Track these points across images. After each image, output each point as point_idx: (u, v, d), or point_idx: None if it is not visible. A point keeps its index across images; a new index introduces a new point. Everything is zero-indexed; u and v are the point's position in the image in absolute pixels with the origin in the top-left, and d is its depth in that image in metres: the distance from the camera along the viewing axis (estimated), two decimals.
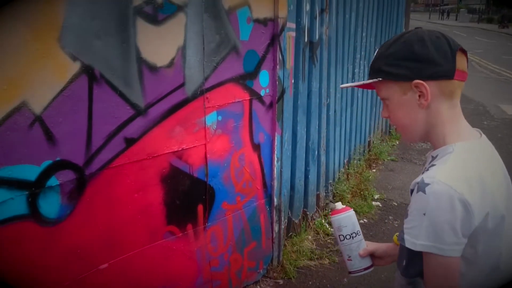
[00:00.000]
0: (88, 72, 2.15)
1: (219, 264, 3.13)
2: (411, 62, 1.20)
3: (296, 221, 4.09)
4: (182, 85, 2.61)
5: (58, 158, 2.10)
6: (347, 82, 5.24)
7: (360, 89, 5.89)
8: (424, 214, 1.12)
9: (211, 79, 2.77)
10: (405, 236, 1.17)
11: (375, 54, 1.31)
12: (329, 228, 4.40)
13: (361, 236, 1.61)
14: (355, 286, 3.60)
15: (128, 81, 2.33)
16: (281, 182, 3.54)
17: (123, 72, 2.30)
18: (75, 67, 2.10)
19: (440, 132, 1.25)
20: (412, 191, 1.20)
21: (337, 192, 4.94)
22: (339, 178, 5.16)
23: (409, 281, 1.32)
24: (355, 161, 5.90)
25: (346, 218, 1.60)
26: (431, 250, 1.13)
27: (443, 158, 1.20)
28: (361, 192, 5.35)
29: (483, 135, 1.29)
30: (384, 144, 7.21)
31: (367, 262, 1.61)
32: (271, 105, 3.29)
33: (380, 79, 1.26)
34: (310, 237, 4.22)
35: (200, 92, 2.72)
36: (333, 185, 4.87)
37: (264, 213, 3.46)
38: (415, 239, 1.14)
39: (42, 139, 2.02)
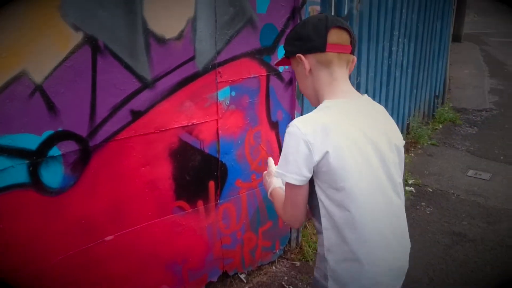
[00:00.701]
0: (91, 42, 2.12)
1: (231, 242, 3.10)
2: (295, 40, 1.56)
3: None
4: (192, 58, 2.55)
5: (60, 129, 2.11)
6: (382, 60, 5.01)
7: (399, 69, 5.64)
8: (283, 149, 1.47)
9: (224, 53, 2.69)
10: (276, 168, 1.50)
11: None
12: None
13: None
14: None
15: (134, 53, 2.30)
16: None
17: (129, 44, 2.27)
18: (77, 37, 2.08)
19: (321, 94, 1.54)
20: None
21: None
22: None
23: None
24: None
25: None
26: (278, 175, 1.46)
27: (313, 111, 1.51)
28: None
29: (365, 96, 1.58)
30: (424, 127, 6.90)
31: None
32: (290, 82, 3.18)
33: (283, 56, 1.67)
34: None
35: (212, 66, 2.66)
36: None
37: None
38: (278, 169, 1.47)
39: (43, 109, 2.03)
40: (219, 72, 2.70)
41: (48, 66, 2.01)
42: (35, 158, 2.05)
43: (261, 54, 2.91)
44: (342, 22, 1.51)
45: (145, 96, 2.40)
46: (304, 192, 1.47)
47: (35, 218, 2.12)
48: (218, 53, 2.66)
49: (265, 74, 2.97)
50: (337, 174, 1.39)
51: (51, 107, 2.05)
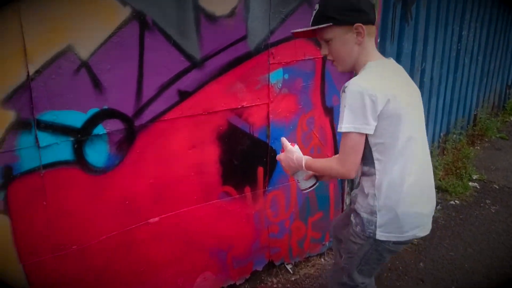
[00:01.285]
0: (139, 18, 2.05)
1: (279, 230, 2.98)
2: (352, 12, 1.72)
3: None
4: (244, 37, 2.42)
5: (105, 107, 2.06)
6: (450, 46, 4.65)
7: (468, 55, 5.23)
8: (345, 106, 1.67)
9: (278, 32, 2.55)
10: (339, 125, 1.72)
11: (319, 4, 1.81)
12: None
13: None
14: (431, 271, 3.24)
15: (183, 31, 2.21)
16: None
17: (178, 21, 2.18)
18: (125, 12, 2.01)
19: (363, 60, 1.79)
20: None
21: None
22: (431, 152, 4.67)
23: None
24: (454, 136, 5.31)
25: None
26: (349, 129, 1.67)
27: (361, 71, 1.77)
28: (457, 170, 4.82)
29: (391, 59, 1.89)
30: (493, 119, 6.42)
31: (312, 182, 2.09)
32: None
33: (331, 23, 1.75)
34: None
35: (265, 47, 2.52)
36: None
37: (334, 183, 3.22)
38: (341, 124, 1.69)
39: (88, 85, 1.99)
40: (272, 53, 2.56)
41: (94, 41, 1.95)
42: (80, 135, 2.01)
43: None
44: None
45: (194, 76, 2.31)
46: (364, 140, 1.71)
47: (79, 196, 2.10)
48: (271, 32, 2.52)
49: (321, 56, 2.80)
50: (395, 118, 1.70)
51: (96, 84, 2.00)
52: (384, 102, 1.66)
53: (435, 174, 4.44)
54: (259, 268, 2.97)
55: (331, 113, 3.01)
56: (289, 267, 3.11)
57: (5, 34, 1.73)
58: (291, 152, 2.05)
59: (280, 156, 2.11)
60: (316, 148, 2.99)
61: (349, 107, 1.66)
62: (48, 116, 1.90)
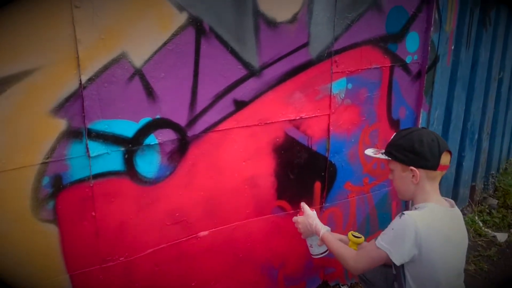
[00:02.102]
0: (195, 24, 1.95)
1: None
2: (410, 153, 1.82)
3: None
4: (305, 44, 2.27)
5: (158, 116, 1.98)
6: None
7: None
8: (393, 229, 1.78)
9: (343, 39, 2.37)
10: (378, 237, 1.82)
11: (391, 139, 1.96)
12: (483, 228, 3.69)
13: None
14: None
15: (241, 37, 2.08)
16: None
17: (236, 27, 2.06)
18: (182, 18, 1.92)
19: (421, 198, 1.85)
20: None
21: (500, 186, 4.11)
22: (505, 169, 4.29)
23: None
24: None
25: None
26: (383, 248, 1.76)
27: (419, 208, 1.82)
28: None
29: (456, 207, 1.90)
30: None
31: (324, 248, 2.20)
32: (418, 75, 2.75)
33: (390, 158, 1.91)
34: None
35: (328, 54, 2.35)
36: (496, 177, 4.06)
37: (397, 200, 2.99)
38: (381, 240, 1.78)
39: (141, 94, 1.91)
40: (335, 61, 2.38)
41: (149, 49, 1.87)
42: (131, 145, 1.94)
43: (386, 42, 2.53)
44: (447, 145, 1.85)
45: (251, 85, 2.19)
46: (385, 260, 1.79)
47: (128, 207, 2.03)
48: (335, 39, 2.35)
49: (389, 64, 2.59)
50: (430, 265, 1.74)
51: (150, 92, 1.92)
52: (423, 248, 1.71)
53: (510, 194, 4.07)
54: None
55: (397, 126, 2.79)
56: None
57: (58, 40, 1.68)
58: (311, 217, 2.24)
59: (298, 219, 2.30)
60: (380, 165, 2.78)
61: (395, 232, 1.77)
62: (100, 125, 1.84)
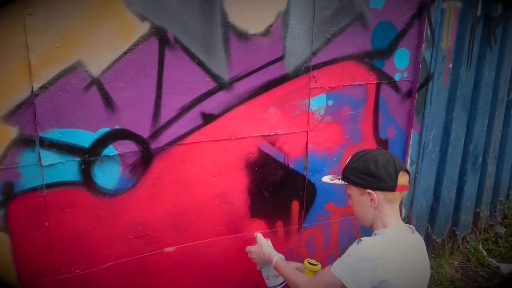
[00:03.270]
0: (159, 34, 1.91)
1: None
2: (366, 176, 1.71)
3: (438, 240, 3.32)
4: (280, 58, 2.19)
5: (117, 127, 1.94)
6: None
7: None
8: (349, 255, 1.64)
9: (322, 54, 2.28)
10: (334, 263, 1.68)
11: (346, 163, 1.84)
12: (487, 257, 3.48)
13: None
14: None
15: (209, 49, 2.03)
16: (415, 190, 2.85)
17: (204, 38, 2.01)
18: (144, 28, 1.88)
19: (381, 223, 1.72)
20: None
21: (510, 214, 3.87)
22: None
23: None
24: None
25: None
26: (338, 275, 1.62)
27: (378, 234, 1.70)
28: None
29: (416, 233, 1.75)
30: None
31: (281, 279, 2.14)
32: (409, 94, 2.62)
33: (346, 183, 1.80)
34: (456, 262, 3.39)
35: (305, 69, 2.27)
36: (504, 204, 3.83)
37: None
38: (337, 267, 1.65)
39: (99, 104, 1.87)
40: (314, 76, 2.29)
41: (107, 58, 1.84)
42: (88, 156, 1.90)
43: (371, 58, 2.42)
44: (404, 165, 1.75)
45: (220, 98, 2.12)
46: None
47: (85, 219, 1.98)
48: (314, 53, 2.26)
49: (375, 82, 2.48)
50: None
51: (108, 102, 1.88)
52: (382, 279, 1.57)
53: None
54: None
55: (386, 146, 2.67)
56: None
57: (10, 47, 1.67)
58: (264, 246, 2.17)
59: (251, 248, 2.24)
60: None
61: (351, 260, 1.63)
62: (53, 134, 1.81)
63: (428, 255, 3.26)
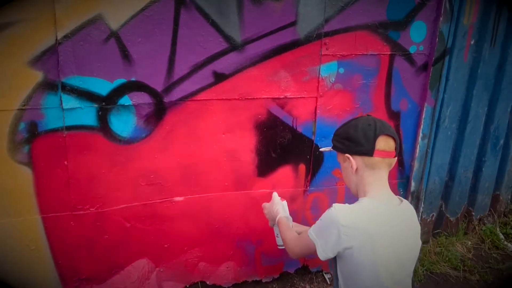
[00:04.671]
0: None
1: None
2: (346, 141, 1.67)
3: (452, 218, 3.32)
4: (292, 23, 2.27)
5: (133, 79, 2.10)
6: None
7: None
8: (321, 220, 1.65)
9: (335, 21, 2.34)
10: (313, 225, 1.70)
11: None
12: (503, 241, 3.45)
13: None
14: None
15: (223, 10, 2.14)
16: (428, 165, 2.87)
17: (218, 0, 2.12)
18: None
19: (362, 190, 1.67)
20: None
21: None
22: None
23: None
24: None
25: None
26: (313, 240, 1.63)
27: (356, 202, 1.65)
28: None
29: (404, 204, 1.67)
30: None
31: None
32: (424, 67, 2.63)
33: (332, 149, 1.79)
34: (469, 243, 3.39)
35: (317, 36, 2.33)
36: None
37: (398, 195, 2.88)
38: (312, 230, 1.67)
39: (117, 56, 2.04)
40: (325, 43, 2.36)
41: (126, 13, 1.99)
42: (105, 103, 2.08)
43: (386, 28, 2.45)
44: (389, 130, 1.64)
45: (232, 59, 2.24)
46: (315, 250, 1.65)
47: (101, 162, 2.18)
48: (326, 20, 2.32)
49: (389, 53, 2.51)
50: (355, 268, 1.56)
51: (125, 55, 2.04)
52: (348, 246, 1.53)
53: None
54: (291, 271, 2.81)
55: (398, 118, 2.70)
56: (327, 276, 2.89)
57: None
58: (276, 204, 2.18)
59: (265, 205, 2.26)
60: None
61: (322, 224, 1.63)
62: (74, 80, 1.99)
63: (440, 233, 3.32)
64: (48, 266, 2.23)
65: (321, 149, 2.00)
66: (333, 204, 1.59)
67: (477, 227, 3.50)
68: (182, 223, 2.46)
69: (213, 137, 2.36)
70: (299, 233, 1.97)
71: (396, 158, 1.66)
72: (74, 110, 2.04)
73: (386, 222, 1.57)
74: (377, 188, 1.64)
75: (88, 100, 2.05)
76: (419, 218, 3.02)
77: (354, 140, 1.63)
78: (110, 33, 1.99)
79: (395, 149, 1.64)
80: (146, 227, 2.39)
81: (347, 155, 1.66)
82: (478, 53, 2.86)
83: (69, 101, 2.01)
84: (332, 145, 1.76)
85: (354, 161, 1.64)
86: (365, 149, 1.60)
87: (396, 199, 1.68)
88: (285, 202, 2.24)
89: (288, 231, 1.99)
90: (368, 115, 1.77)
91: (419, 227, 1.71)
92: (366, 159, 1.62)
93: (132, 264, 2.42)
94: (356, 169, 1.64)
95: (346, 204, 1.60)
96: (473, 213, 3.42)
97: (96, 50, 1.99)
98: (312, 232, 1.66)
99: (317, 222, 1.66)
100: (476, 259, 3.28)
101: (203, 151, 2.37)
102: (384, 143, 1.61)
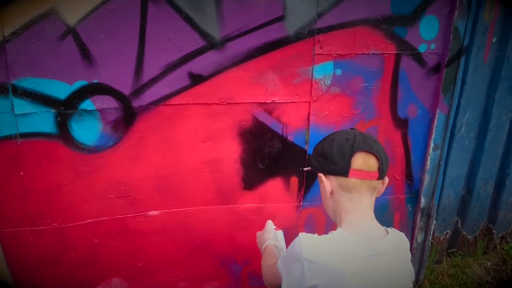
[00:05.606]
0: None
1: None
2: (320, 157, 1.42)
3: (469, 237, 2.98)
4: (280, 18, 1.99)
5: (95, 81, 1.86)
6: None
7: None
8: (287, 250, 1.41)
9: (329, 16, 2.05)
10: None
11: None
12: None
13: None
14: None
15: (199, 4, 1.88)
16: (440, 178, 2.54)
17: None
18: None
19: (339, 218, 1.42)
20: None
21: None
22: None
23: None
24: None
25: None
26: (280, 271, 1.41)
27: (329, 233, 1.37)
28: None
29: (392, 234, 1.38)
30: None
31: None
32: (436, 69, 2.31)
33: (309, 168, 1.54)
34: (489, 263, 3.04)
35: (309, 33, 2.05)
36: None
37: (401, 212, 2.58)
38: (280, 260, 1.45)
39: (76, 55, 1.81)
40: (319, 41, 2.07)
41: (83, 6, 1.76)
42: (64, 108, 1.86)
43: (391, 25, 2.14)
44: (370, 146, 1.35)
45: (210, 58, 1.98)
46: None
47: (62, 173, 1.96)
48: (320, 15, 2.03)
49: (394, 52, 2.20)
50: None
51: (85, 54, 1.81)
52: (312, 285, 1.28)
53: None
54: None
55: (405, 125, 2.39)
56: None
57: None
58: (268, 231, 2.00)
59: (259, 233, 2.06)
60: None
61: (287, 255, 1.39)
62: (27, 82, 1.78)
63: (455, 252, 2.99)
64: (6, 285, 2.04)
65: (304, 169, 1.79)
66: (299, 234, 1.34)
67: (498, 246, 3.14)
68: (158, 240, 2.23)
69: (191, 146, 2.12)
70: None
71: (381, 181, 1.38)
72: (29, 115, 1.82)
73: (362, 259, 1.30)
74: (355, 216, 1.38)
75: (44, 105, 1.83)
76: (430, 236, 2.70)
77: (328, 157, 1.38)
78: (66, 29, 1.76)
79: (378, 169, 1.35)
80: (117, 243, 2.16)
81: (320, 174, 1.42)
82: (502, 52, 2.51)
83: (22, 106, 1.80)
84: (309, 162, 1.54)
85: (328, 182, 1.39)
86: (339, 168, 1.35)
87: (381, 230, 1.39)
88: (280, 232, 2.05)
89: (269, 257, 1.78)
90: (352, 128, 1.52)
91: (409, 266, 1.43)
92: (341, 179, 1.36)
93: (103, 283, 2.20)
94: (331, 191, 1.40)
95: (315, 234, 1.35)
96: (494, 231, 3.07)
97: (51, 48, 1.76)
98: (280, 262, 1.43)
99: (286, 251, 1.43)
100: (496, 283, 2.93)
101: (181, 161, 2.13)
102: (362, 161, 1.34)
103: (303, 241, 1.30)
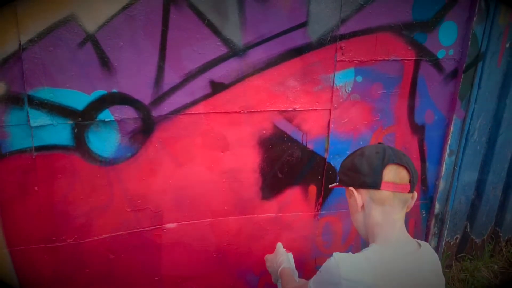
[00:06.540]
0: None
1: None
2: (351, 172, 1.41)
3: (477, 240, 2.98)
4: (303, 24, 1.94)
5: (115, 90, 1.78)
6: None
7: None
8: (320, 271, 1.38)
9: (352, 22, 2.01)
10: (314, 276, 1.42)
11: None
12: None
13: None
14: None
15: (222, 10, 1.82)
16: (454, 184, 2.53)
17: None
18: None
19: (371, 233, 1.39)
20: None
21: None
22: None
23: None
24: None
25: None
26: None
27: (363, 251, 1.35)
28: None
29: (424, 247, 1.38)
30: None
31: None
32: (454, 74, 2.29)
33: (337, 183, 1.54)
34: (496, 267, 3.05)
35: (331, 39, 2.00)
36: None
37: (416, 219, 2.56)
38: (312, 282, 1.41)
39: (95, 64, 1.72)
40: (341, 48, 2.03)
41: (104, 12, 1.67)
42: (81, 119, 1.76)
43: (411, 31, 2.12)
44: (400, 159, 1.36)
45: (232, 66, 1.92)
46: None
47: (78, 186, 1.86)
48: (342, 21, 1.99)
49: (414, 58, 2.17)
50: None
51: (105, 62, 1.72)
52: None
53: None
54: None
55: (422, 132, 2.37)
56: None
57: None
58: (280, 254, 2.01)
59: (268, 256, 2.11)
60: None
61: (321, 278, 1.37)
62: (43, 93, 1.68)
63: (464, 256, 2.99)
64: None
65: (329, 186, 1.73)
66: (334, 254, 1.32)
67: (504, 249, 3.16)
68: (175, 253, 2.15)
69: (211, 156, 2.05)
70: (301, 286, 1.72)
71: (411, 194, 1.38)
72: (45, 127, 1.72)
73: (398, 274, 1.30)
74: (389, 229, 1.37)
75: (61, 116, 1.73)
76: (443, 242, 2.69)
77: (359, 171, 1.37)
78: (85, 36, 1.67)
79: (410, 181, 1.36)
80: (134, 258, 2.08)
81: (351, 188, 1.41)
82: None
83: (38, 117, 1.70)
84: (338, 178, 1.51)
85: (359, 196, 1.39)
86: (371, 181, 1.35)
87: (413, 243, 1.40)
88: (290, 254, 2.04)
89: (289, 280, 1.79)
90: (379, 142, 1.55)
91: (443, 279, 1.42)
92: (373, 192, 1.36)
93: None
94: (362, 205, 1.39)
95: (350, 253, 1.33)
96: (500, 234, 3.08)
97: (69, 56, 1.67)
98: (311, 285, 1.41)
99: (317, 273, 1.40)
100: (504, 286, 2.94)
101: (199, 172, 2.06)
102: (394, 174, 1.35)
103: (338, 260, 1.28)
